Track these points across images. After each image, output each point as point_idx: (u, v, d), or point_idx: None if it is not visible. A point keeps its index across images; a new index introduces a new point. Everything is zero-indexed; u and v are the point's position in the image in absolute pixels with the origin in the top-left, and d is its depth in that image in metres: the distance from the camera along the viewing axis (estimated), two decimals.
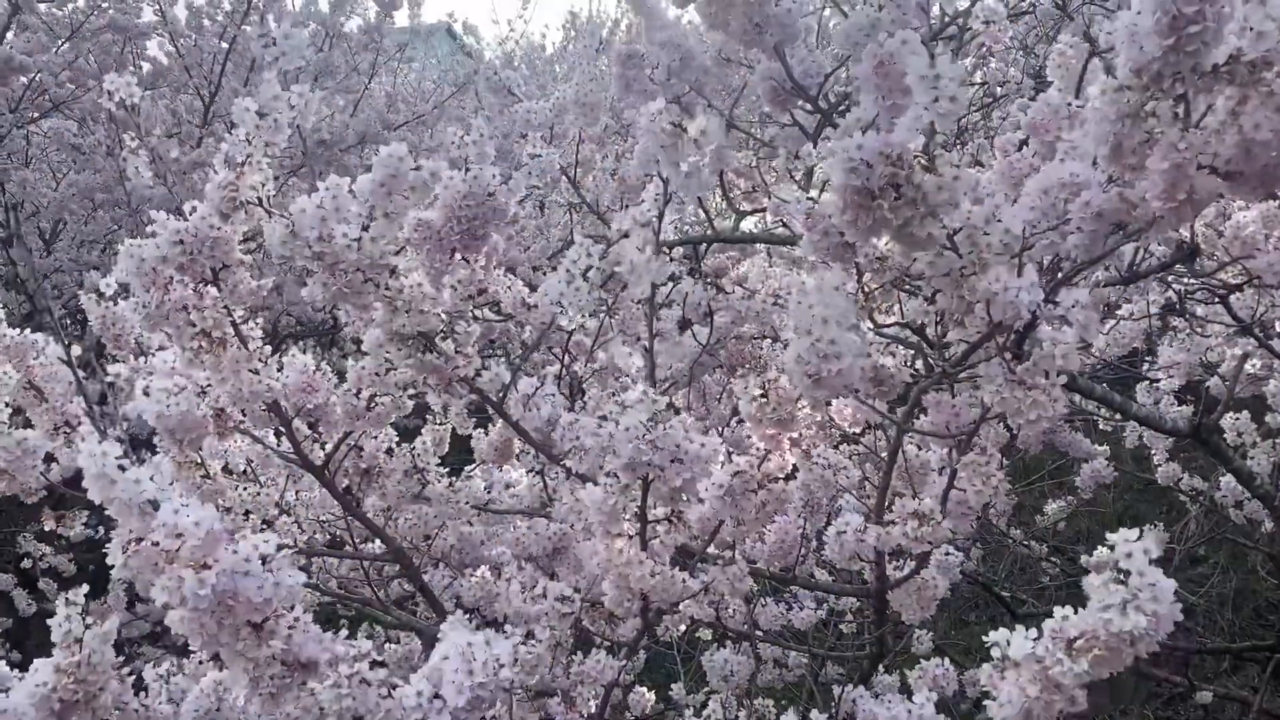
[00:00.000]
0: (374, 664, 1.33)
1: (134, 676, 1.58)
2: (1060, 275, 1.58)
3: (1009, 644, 1.26)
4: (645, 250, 1.39)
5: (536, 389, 2.10)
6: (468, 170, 1.66)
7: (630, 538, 1.61)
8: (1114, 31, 1.25)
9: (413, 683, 1.27)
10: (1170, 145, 1.20)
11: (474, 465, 2.52)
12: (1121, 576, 1.15)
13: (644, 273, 1.39)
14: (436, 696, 1.25)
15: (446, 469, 2.48)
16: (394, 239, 1.62)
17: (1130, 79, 1.23)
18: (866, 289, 1.58)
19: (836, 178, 1.24)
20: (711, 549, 1.82)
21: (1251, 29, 1.12)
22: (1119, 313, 3.51)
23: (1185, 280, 3.16)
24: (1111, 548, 1.19)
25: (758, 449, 1.57)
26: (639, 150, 3.59)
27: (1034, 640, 1.24)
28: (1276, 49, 1.09)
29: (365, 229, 1.58)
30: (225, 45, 6.16)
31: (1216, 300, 3.05)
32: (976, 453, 1.65)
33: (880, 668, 2.73)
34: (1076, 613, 1.23)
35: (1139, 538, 1.15)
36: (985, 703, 1.30)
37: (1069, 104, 1.95)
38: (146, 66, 6.36)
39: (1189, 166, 1.19)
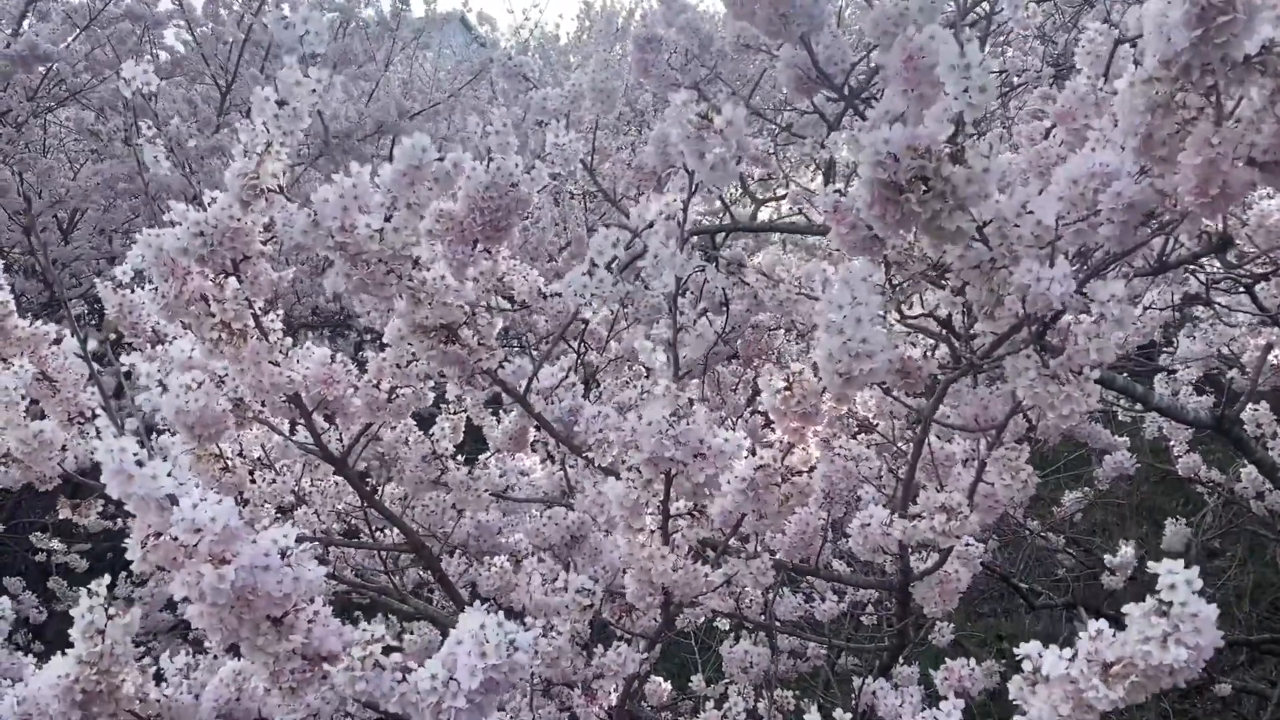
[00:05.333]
0: (388, 649, 1.33)
1: (154, 668, 1.57)
2: (1091, 267, 1.56)
3: (1040, 658, 1.24)
4: (670, 243, 1.37)
5: (560, 381, 2.08)
6: (490, 161, 1.65)
7: (652, 532, 1.60)
8: (1141, 21, 1.22)
9: (428, 666, 1.26)
10: (1203, 139, 1.18)
11: (489, 454, 2.51)
12: (1164, 607, 1.12)
13: (669, 265, 1.37)
14: (451, 679, 1.25)
15: (462, 458, 2.47)
16: (416, 230, 1.61)
17: (1159, 71, 1.21)
18: (893, 281, 1.56)
19: (864, 171, 1.22)
20: (732, 541, 1.81)
21: None
22: (1141, 303, 3.49)
23: (1210, 270, 3.13)
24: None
25: (781, 442, 1.55)
26: (653, 137, 3.57)
27: (1068, 660, 1.21)
28: None
29: (388, 219, 1.56)
30: (242, 35, 6.15)
31: (1241, 290, 3.03)
32: (1008, 447, 1.63)
33: (899, 659, 2.72)
34: (1110, 624, 1.21)
35: (1180, 551, 1.12)
36: (1016, 719, 1.29)
37: (1096, 91, 1.92)
38: (164, 56, 6.36)
39: (1223, 160, 1.17)
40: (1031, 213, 1.30)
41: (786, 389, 1.47)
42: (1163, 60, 1.16)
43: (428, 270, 1.62)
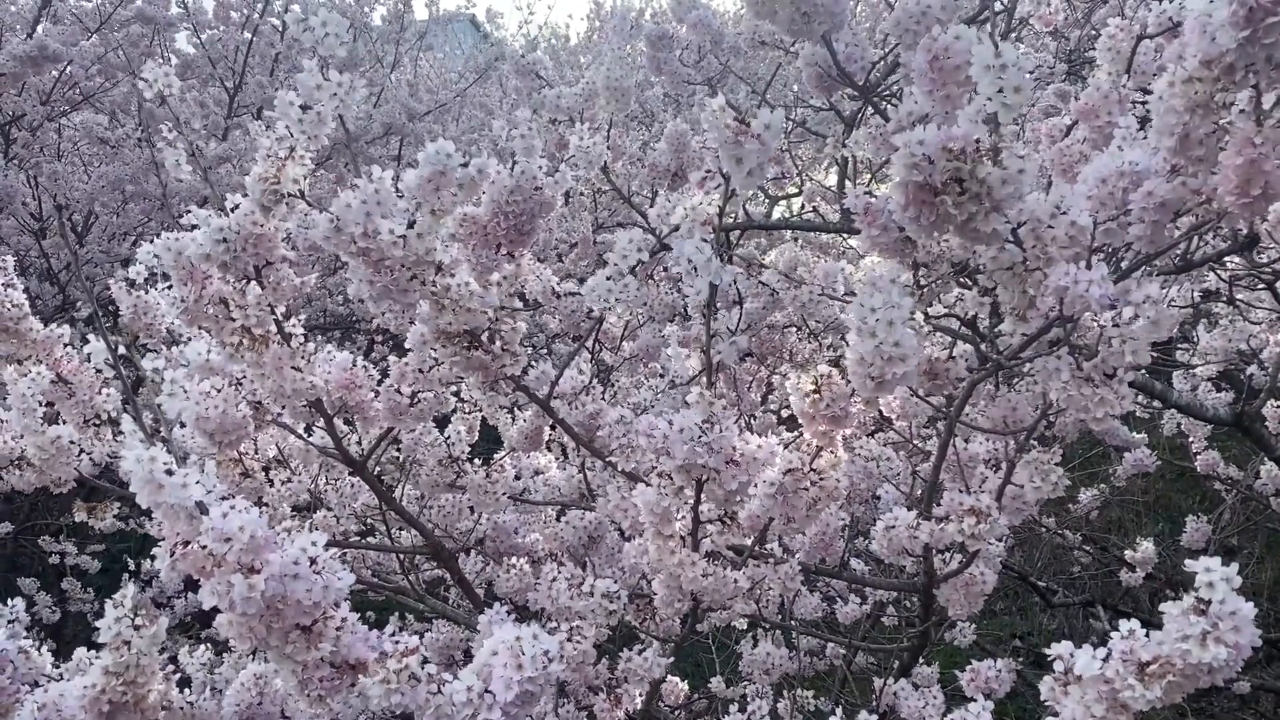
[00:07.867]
0: (422, 660, 1.32)
1: (176, 674, 1.57)
2: (1125, 268, 1.54)
3: (1072, 658, 1.23)
4: (704, 250, 1.35)
5: (584, 387, 2.07)
6: (514, 164, 1.63)
7: (682, 538, 1.59)
8: (1184, 20, 1.21)
9: (462, 678, 1.25)
10: (1245, 139, 1.16)
11: (504, 453, 2.51)
12: (1201, 605, 1.11)
13: (704, 272, 1.36)
14: (486, 692, 1.24)
15: (480, 459, 2.46)
16: (439, 234, 1.59)
17: (1200, 71, 1.20)
18: (920, 282, 1.54)
19: (899, 173, 1.21)
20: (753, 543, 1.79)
21: None
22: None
23: (1231, 266, 3.12)
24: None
25: (808, 444, 1.53)
26: (667, 134, 3.56)
27: (1102, 660, 1.20)
28: None
29: (411, 225, 1.54)
30: (248, 36, 6.15)
31: (1261, 286, 3.01)
32: (1039, 449, 1.61)
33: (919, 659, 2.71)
34: (1144, 627, 1.19)
35: (1221, 562, 1.11)
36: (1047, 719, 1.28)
37: (1119, 88, 1.91)
38: (174, 60, 6.36)
39: (1265, 161, 1.16)
40: (1065, 213, 1.28)
41: (815, 392, 1.45)
42: (1205, 60, 1.14)
43: (451, 276, 1.61)
